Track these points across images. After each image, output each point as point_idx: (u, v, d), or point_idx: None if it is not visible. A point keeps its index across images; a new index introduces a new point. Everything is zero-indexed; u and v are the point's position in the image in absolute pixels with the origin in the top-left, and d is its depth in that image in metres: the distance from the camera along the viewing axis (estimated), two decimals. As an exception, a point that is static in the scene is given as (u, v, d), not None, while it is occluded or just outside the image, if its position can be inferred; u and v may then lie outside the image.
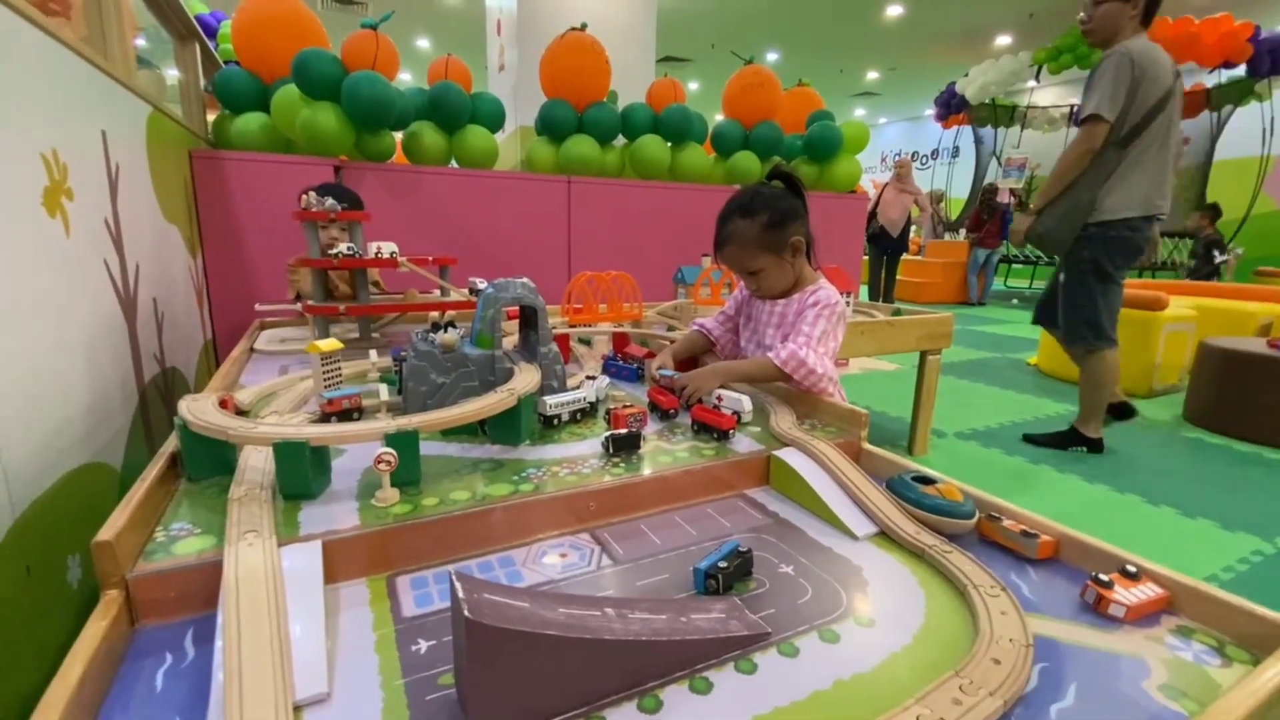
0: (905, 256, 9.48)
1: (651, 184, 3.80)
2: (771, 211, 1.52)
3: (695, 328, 1.80)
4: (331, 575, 0.81)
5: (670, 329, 2.28)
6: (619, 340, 1.91)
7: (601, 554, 0.89)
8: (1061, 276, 3.07)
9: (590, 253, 3.68)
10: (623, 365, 1.66)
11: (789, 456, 1.12)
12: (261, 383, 1.38)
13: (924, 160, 16.03)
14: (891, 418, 3.74)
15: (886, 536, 0.97)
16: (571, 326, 2.20)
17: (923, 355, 3.09)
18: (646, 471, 1.04)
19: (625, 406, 1.24)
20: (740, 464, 1.11)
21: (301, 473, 0.92)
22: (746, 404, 1.29)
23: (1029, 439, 3.37)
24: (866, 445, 1.20)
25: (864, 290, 8.30)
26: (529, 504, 0.94)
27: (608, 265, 3.52)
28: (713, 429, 1.22)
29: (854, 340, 2.73)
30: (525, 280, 1.26)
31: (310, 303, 1.92)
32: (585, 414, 1.27)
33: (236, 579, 0.72)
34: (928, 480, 1.03)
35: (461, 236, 3.33)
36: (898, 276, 8.34)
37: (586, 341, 2.10)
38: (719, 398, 1.32)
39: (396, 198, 3.19)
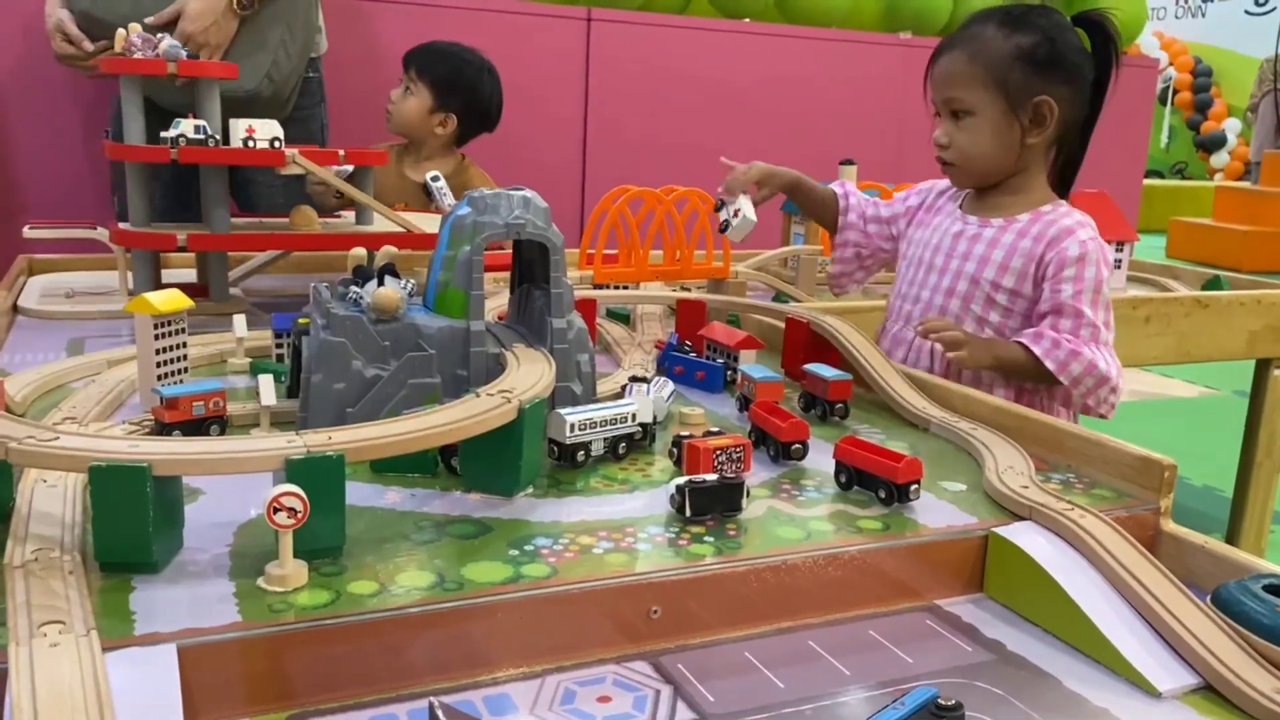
0: (1220, 181, 6.82)
1: (742, 28, 2.50)
2: (1048, 40, 1.17)
3: (838, 188, 1.51)
4: (191, 710, 0.59)
5: (779, 297, 1.71)
6: (687, 315, 1.36)
7: (673, 700, 0.67)
8: None
9: (627, 150, 2.45)
10: (696, 360, 1.20)
11: (1025, 539, 0.82)
12: (38, 365, 1.10)
13: None
14: (1193, 487, 2.71)
15: (1216, 693, 0.70)
16: (598, 286, 1.53)
17: (1261, 368, 2.12)
18: (753, 554, 0.79)
19: (708, 434, 0.93)
20: (930, 550, 0.82)
21: (137, 523, 0.66)
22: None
23: None
24: (1170, 525, 0.89)
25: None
26: (539, 602, 0.70)
27: (660, 175, 2.05)
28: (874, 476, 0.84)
29: (1134, 338, 1.86)
30: (528, 193, 0.95)
31: (125, 226, 1.38)
32: (633, 444, 0.97)
33: (34, 704, 0.53)
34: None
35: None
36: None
37: (624, 316, 1.47)
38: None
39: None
